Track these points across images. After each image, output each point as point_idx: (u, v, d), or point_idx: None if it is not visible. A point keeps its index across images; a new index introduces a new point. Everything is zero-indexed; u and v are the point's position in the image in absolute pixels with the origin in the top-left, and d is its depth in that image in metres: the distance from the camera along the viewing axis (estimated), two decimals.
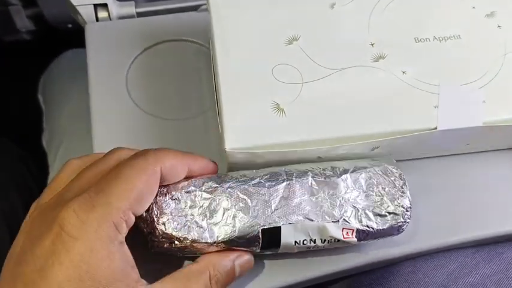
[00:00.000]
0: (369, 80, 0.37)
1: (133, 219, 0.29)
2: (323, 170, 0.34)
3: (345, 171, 0.34)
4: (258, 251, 0.33)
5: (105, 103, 0.42)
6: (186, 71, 0.44)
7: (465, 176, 0.41)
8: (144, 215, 0.31)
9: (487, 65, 0.39)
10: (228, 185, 0.33)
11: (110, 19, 0.47)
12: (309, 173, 0.34)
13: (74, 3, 0.47)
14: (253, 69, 0.37)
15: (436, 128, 0.36)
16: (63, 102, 0.58)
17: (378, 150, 0.37)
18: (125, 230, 0.29)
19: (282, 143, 0.34)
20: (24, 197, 0.56)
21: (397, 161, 0.37)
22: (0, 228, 0.49)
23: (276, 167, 0.35)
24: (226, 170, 0.36)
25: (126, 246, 0.29)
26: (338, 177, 0.34)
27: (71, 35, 0.54)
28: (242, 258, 0.33)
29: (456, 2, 0.41)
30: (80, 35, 0.46)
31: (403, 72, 0.37)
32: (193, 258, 0.33)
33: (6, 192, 0.54)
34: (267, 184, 0.33)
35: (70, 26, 0.57)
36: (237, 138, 0.34)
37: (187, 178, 0.33)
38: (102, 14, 0.47)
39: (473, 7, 0.41)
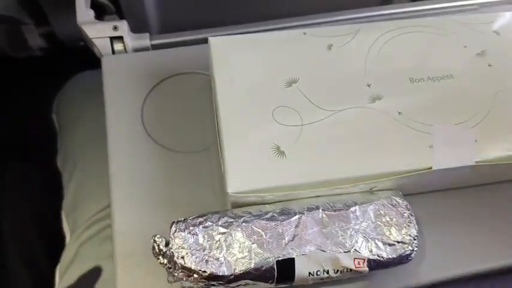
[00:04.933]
0: (366, 121, 0.34)
1: None
2: (333, 203, 0.33)
3: (354, 204, 0.33)
4: (274, 284, 0.31)
5: (121, 133, 0.40)
6: (199, 104, 0.41)
7: (469, 208, 0.37)
8: (164, 250, 0.30)
9: (478, 103, 0.36)
10: (242, 219, 0.31)
11: (126, 51, 0.44)
12: (320, 206, 0.32)
13: (90, 36, 0.44)
14: (254, 111, 0.34)
15: (431, 168, 0.33)
16: (77, 125, 0.56)
17: (376, 188, 0.34)
18: None
19: (282, 185, 0.32)
20: (35, 217, 0.54)
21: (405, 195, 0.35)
22: (9, 245, 0.47)
23: (288, 202, 0.33)
24: (230, 207, 0.33)
25: None
26: (347, 210, 0.32)
27: (84, 53, 0.51)
28: None
29: (449, 41, 0.38)
30: (93, 53, 0.43)
31: (399, 113, 0.34)
32: None
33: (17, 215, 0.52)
34: (280, 218, 0.31)
35: (82, 43, 0.54)
36: (239, 182, 0.32)
37: (203, 214, 0.32)
38: (118, 46, 0.44)
39: (465, 46, 0.38)
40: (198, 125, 0.40)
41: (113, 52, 0.45)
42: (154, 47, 0.45)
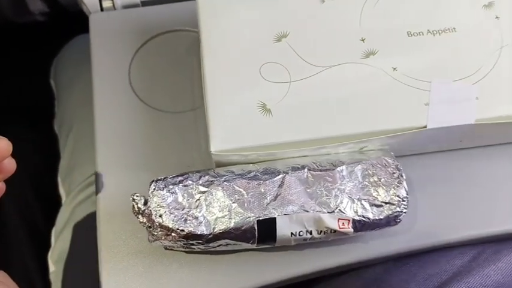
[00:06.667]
0: (358, 77, 0.33)
1: None
2: (319, 163, 0.32)
3: (341, 163, 0.32)
4: (255, 244, 0.30)
5: (108, 93, 0.40)
6: (189, 62, 0.40)
7: (466, 171, 0.36)
8: (143, 208, 0.30)
9: (481, 59, 0.34)
10: (224, 178, 0.31)
11: (115, 8, 0.43)
12: (305, 166, 0.31)
13: None
14: (240, 68, 0.33)
15: (425, 127, 0.31)
16: (73, 88, 0.56)
17: (367, 149, 0.33)
18: None
19: (267, 144, 0.31)
20: (32, 180, 0.54)
21: (397, 156, 0.34)
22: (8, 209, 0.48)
23: (273, 161, 0.33)
24: (214, 166, 0.33)
25: None
26: (334, 170, 0.31)
27: (84, 18, 0.51)
28: None
29: None
30: None
31: (394, 69, 0.33)
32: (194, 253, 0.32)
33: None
34: (263, 177, 0.31)
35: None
36: (222, 140, 0.31)
37: (184, 173, 0.31)
38: (107, 3, 0.43)
39: None
40: (186, 84, 0.39)
41: (102, 9, 0.44)
42: (145, 3, 0.44)
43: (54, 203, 0.54)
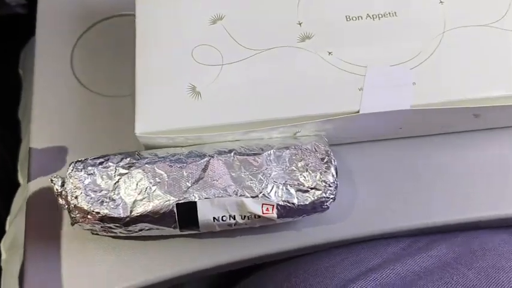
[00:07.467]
0: (291, 61, 0.32)
1: None
2: (248, 147, 0.31)
3: (270, 148, 0.31)
4: (179, 229, 0.29)
5: (48, 75, 0.39)
6: (131, 46, 0.39)
7: (405, 161, 0.35)
8: (60, 190, 0.29)
9: (422, 44, 0.33)
10: (146, 160, 0.30)
11: None
12: (233, 150, 0.31)
13: None
14: (172, 50, 0.33)
15: (358, 112, 0.31)
16: None
17: (300, 134, 0.32)
18: None
19: (195, 127, 0.31)
20: None
21: (336, 144, 0.34)
22: None
23: (200, 145, 0.32)
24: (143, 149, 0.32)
25: None
26: (261, 154, 0.30)
27: None
28: None
29: None
30: None
31: (329, 53, 0.32)
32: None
33: None
34: (187, 160, 0.30)
35: None
36: (147, 122, 0.31)
37: (106, 155, 0.31)
38: None
39: None
40: (127, 68, 0.39)
41: None
42: None
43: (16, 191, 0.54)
